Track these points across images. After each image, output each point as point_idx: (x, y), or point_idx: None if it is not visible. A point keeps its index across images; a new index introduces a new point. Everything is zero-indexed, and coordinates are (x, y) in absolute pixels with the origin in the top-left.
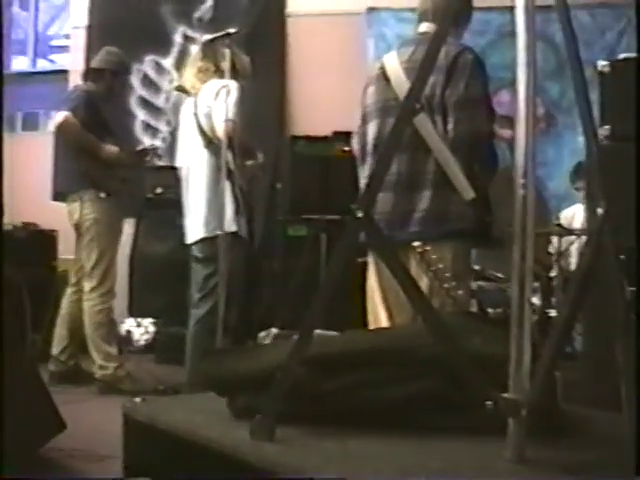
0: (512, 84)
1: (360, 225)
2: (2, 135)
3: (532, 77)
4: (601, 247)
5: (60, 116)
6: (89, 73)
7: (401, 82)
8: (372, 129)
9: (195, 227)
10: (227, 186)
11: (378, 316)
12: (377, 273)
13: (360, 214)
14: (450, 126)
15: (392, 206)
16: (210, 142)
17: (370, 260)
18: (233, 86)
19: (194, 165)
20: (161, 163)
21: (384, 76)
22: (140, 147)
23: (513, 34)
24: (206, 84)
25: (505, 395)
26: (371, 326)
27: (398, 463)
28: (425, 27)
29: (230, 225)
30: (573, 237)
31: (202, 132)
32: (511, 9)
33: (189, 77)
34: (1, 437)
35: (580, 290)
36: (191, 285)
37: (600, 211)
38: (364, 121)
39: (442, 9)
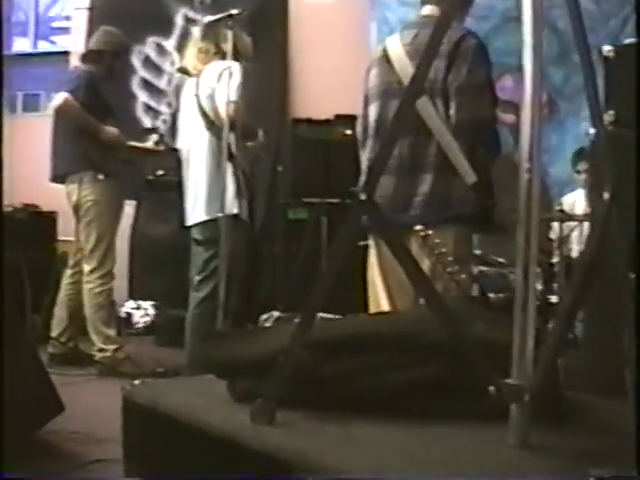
0: (515, 69)
1: (363, 208)
2: (2, 120)
3: (538, 62)
4: (607, 232)
5: (60, 97)
6: (88, 55)
7: (404, 65)
8: (374, 111)
9: (196, 209)
10: (228, 168)
11: (379, 300)
12: (378, 257)
13: (363, 197)
14: (452, 111)
15: (394, 189)
16: (212, 124)
17: (371, 244)
18: (236, 67)
19: (195, 147)
20: (161, 147)
21: (387, 59)
22: (150, 140)
23: (517, 19)
24: (208, 65)
25: (508, 381)
26: (372, 309)
27: (400, 448)
28: (428, 10)
29: (231, 207)
30: (574, 223)
31: (204, 114)
32: None
33: (190, 58)
34: (1, 437)
35: (585, 276)
36: (191, 268)
37: (606, 196)
38: (366, 103)
39: None
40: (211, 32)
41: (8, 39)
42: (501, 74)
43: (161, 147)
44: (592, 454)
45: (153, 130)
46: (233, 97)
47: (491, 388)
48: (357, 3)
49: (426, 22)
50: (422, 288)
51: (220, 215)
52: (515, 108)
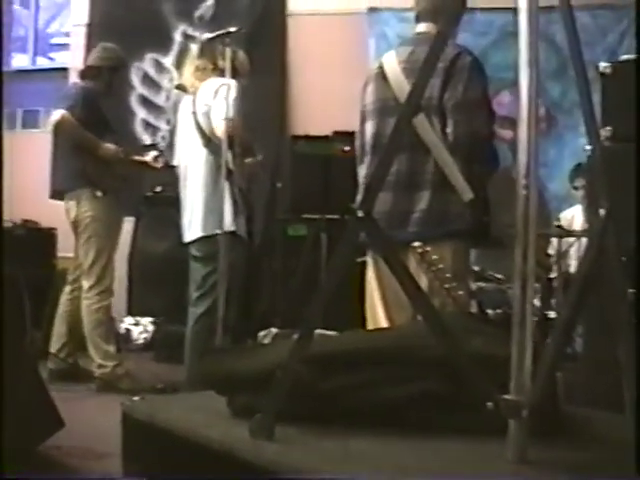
0: (513, 85)
1: (361, 225)
2: (2, 135)
3: (534, 77)
4: (603, 248)
5: (57, 114)
6: (86, 71)
7: (400, 82)
8: (370, 128)
9: (193, 226)
10: (226, 185)
11: (377, 316)
12: (376, 273)
13: (361, 214)
14: (449, 129)
15: (391, 206)
16: (209, 141)
17: (369, 260)
18: (232, 84)
19: (192, 164)
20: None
21: (383, 75)
22: (149, 155)
23: (515, 35)
24: (204, 82)
25: (506, 396)
26: (370, 326)
27: (398, 463)
28: (423, 27)
29: (229, 224)
30: (572, 239)
31: (201, 131)
32: (513, 10)
33: (187, 76)
34: (1, 437)
35: (582, 291)
36: (190, 284)
37: (602, 212)
38: (363, 120)
39: (441, 9)
40: (208, 49)
41: (7, 55)
42: (499, 90)
43: (159, 163)
44: (591, 468)
45: (153, 146)
46: (230, 114)
47: (489, 403)
48: (356, 20)
49: (422, 39)
50: (419, 304)
51: (218, 232)
52: (513, 124)
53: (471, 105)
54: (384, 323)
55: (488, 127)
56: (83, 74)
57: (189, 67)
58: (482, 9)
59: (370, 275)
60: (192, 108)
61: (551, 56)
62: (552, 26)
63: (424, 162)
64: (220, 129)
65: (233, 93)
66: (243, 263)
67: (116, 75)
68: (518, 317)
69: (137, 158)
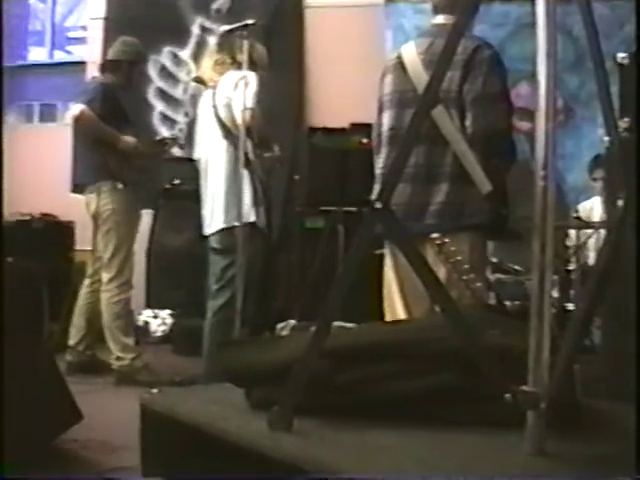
0: (531, 76)
1: (378, 216)
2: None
3: (552, 69)
4: (621, 239)
5: (76, 109)
6: (106, 65)
7: (419, 73)
8: (388, 119)
9: (214, 218)
10: (246, 176)
11: (395, 308)
12: (394, 264)
13: (378, 205)
14: (468, 122)
15: (409, 198)
16: (229, 132)
17: (387, 252)
18: (251, 77)
19: (213, 156)
20: (179, 154)
21: (401, 66)
22: (159, 137)
23: (532, 26)
24: (224, 76)
25: (524, 388)
26: (388, 318)
27: (416, 456)
28: (441, 19)
29: (248, 215)
30: (591, 230)
31: (221, 123)
32: (531, 1)
33: (206, 70)
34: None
35: (600, 283)
36: (209, 276)
37: (620, 203)
38: (380, 110)
39: (458, 1)
40: (227, 43)
41: (24, 49)
42: (516, 81)
43: (168, 146)
44: (609, 461)
45: (172, 139)
46: (249, 104)
47: (507, 396)
48: (373, 11)
49: (440, 31)
50: (438, 296)
51: (237, 224)
52: (531, 115)
53: (490, 98)
54: (402, 315)
55: (507, 120)
56: (103, 68)
57: (208, 61)
58: (499, 0)
59: (388, 267)
60: (212, 101)
61: (569, 48)
62: (570, 18)
63: (442, 154)
64: (242, 119)
65: (253, 85)
66: (262, 255)
67: (135, 69)
68: (536, 309)
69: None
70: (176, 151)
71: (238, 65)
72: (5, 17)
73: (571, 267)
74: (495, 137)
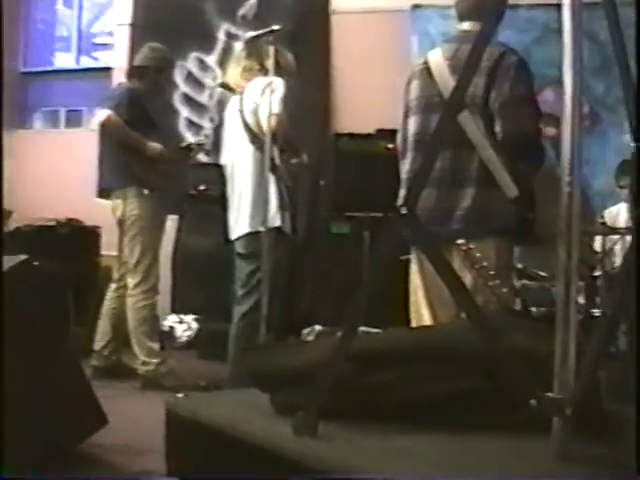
0: (557, 82)
1: (404, 222)
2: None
3: (578, 75)
4: None
5: (103, 114)
6: (132, 71)
7: (445, 79)
8: (414, 124)
9: (239, 223)
10: (272, 181)
11: (421, 313)
12: (420, 270)
13: (404, 210)
14: (498, 127)
15: (435, 202)
16: (255, 137)
17: (413, 257)
18: (278, 82)
19: (239, 161)
20: (204, 159)
21: (428, 72)
22: (185, 143)
23: (558, 31)
24: (251, 82)
25: (549, 394)
26: (414, 323)
27: (441, 460)
28: (467, 25)
29: (274, 220)
30: (617, 236)
31: (247, 128)
32: (557, 6)
33: (234, 76)
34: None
35: (624, 289)
36: (235, 281)
37: None
38: (406, 115)
39: (484, 7)
40: (255, 50)
41: (51, 55)
42: (542, 87)
43: (194, 151)
44: (632, 466)
45: (199, 145)
46: (275, 110)
47: (532, 401)
48: (399, 17)
49: (467, 37)
50: (463, 302)
51: (262, 228)
52: (556, 121)
53: (518, 103)
54: (428, 320)
55: (536, 124)
56: (129, 74)
57: (236, 67)
58: (525, 5)
59: (414, 272)
60: (239, 106)
61: (595, 53)
62: (596, 23)
63: (468, 159)
64: (268, 123)
65: (280, 91)
66: (287, 260)
67: (162, 75)
68: (562, 315)
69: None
70: (202, 157)
71: (266, 71)
72: (31, 23)
73: (597, 273)
74: (525, 140)
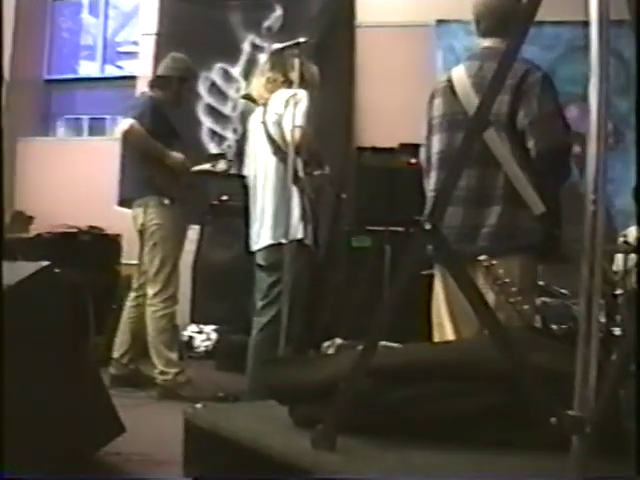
0: (581, 99)
1: (428, 237)
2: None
3: (604, 92)
4: None
5: (126, 123)
6: (155, 80)
7: (469, 97)
8: (438, 142)
9: (261, 234)
10: (294, 193)
11: (444, 329)
12: (444, 285)
13: (428, 226)
14: (531, 143)
15: (461, 220)
16: (278, 149)
17: (436, 273)
18: (303, 94)
19: (262, 172)
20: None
21: (451, 89)
22: (210, 164)
23: (582, 48)
24: (275, 94)
25: (570, 412)
26: (436, 338)
27: (459, 476)
28: (489, 42)
29: (296, 232)
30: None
31: (270, 139)
32: (581, 23)
33: (257, 87)
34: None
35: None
36: (255, 293)
37: None
38: (429, 133)
39: (506, 24)
40: (279, 62)
41: (75, 63)
42: (566, 104)
43: (219, 168)
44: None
45: (221, 155)
46: (299, 122)
47: (552, 419)
48: (423, 32)
49: (490, 54)
50: (485, 318)
51: (284, 240)
52: (580, 138)
53: (549, 119)
54: (451, 336)
55: (568, 139)
56: (152, 84)
57: (260, 79)
58: (549, 22)
59: (437, 287)
60: (262, 118)
61: (619, 71)
62: (621, 41)
63: (494, 177)
64: (291, 136)
65: (303, 103)
66: (308, 272)
67: (185, 85)
68: (583, 333)
69: (197, 168)
70: (222, 167)
71: (289, 83)
72: (57, 31)
73: (618, 292)
74: (559, 156)
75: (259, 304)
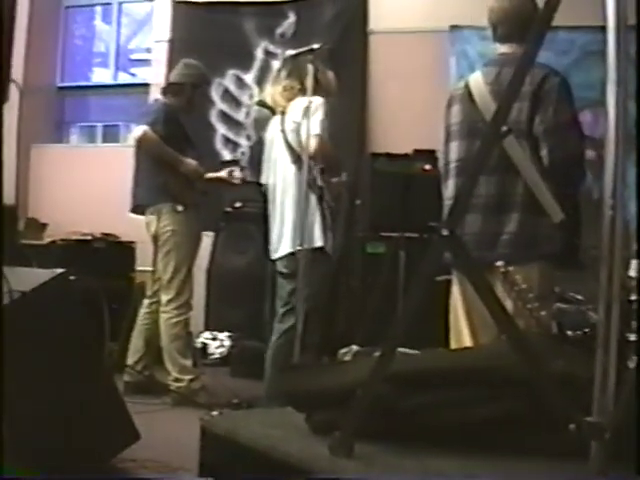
0: (595, 104)
1: (445, 243)
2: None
3: (622, 97)
4: None
5: (139, 130)
6: (168, 87)
7: (488, 104)
8: (456, 149)
9: (282, 242)
10: (314, 201)
11: (461, 335)
12: (461, 291)
13: (445, 232)
14: (544, 152)
15: (480, 227)
16: (298, 157)
17: (454, 279)
18: (319, 102)
19: (281, 181)
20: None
21: (469, 96)
22: (224, 171)
23: (597, 53)
24: (293, 102)
25: (588, 418)
26: (453, 344)
27: None
28: (506, 48)
29: (317, 240)
30: None
31: (289, 148)
32: (596, 28)
33: (274, 95)
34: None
35: None
36: (276, 300)
37: None
38: (447, 140)
39: (523, 30)
40: (296, 69)
41: (89, 70)
42: (581, 109)
43: (235, 178)
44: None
45: (234, 162)
46: (316, 130)
47: (571, 425)
48: (437, 37)
49: (507, 60)
50: (504, 325)
51: (301, 248)
52: (595, 143)
53: (563, 128)
54: (468, 342)
55: (581, 148)
56: (165, 90)
57: (276, 87)
58: (564, 27)
59: (455, 293)
60: (280, 126)
61: (634, 75)
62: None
63: (513, 184)
64: (309, 145)
65: (321, 111)
66: (328, 280)
67: (198, 92)
68: (602, 339)
69: (211, 175)
70: (237, 176)
71: (306, 91)
72: (69, 38)
73: (633, 297)
74: (572, 165)
75: (280, 311)
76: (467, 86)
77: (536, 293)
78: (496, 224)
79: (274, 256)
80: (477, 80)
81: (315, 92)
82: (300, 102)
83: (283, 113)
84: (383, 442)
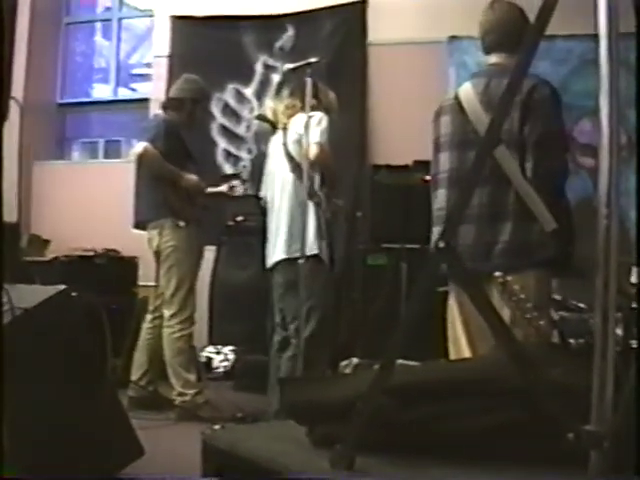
0: (594, 113)
1: (442, 255)
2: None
3: (615, 105)
4: None
5: (140, 146)
6: (168, 102)
7: (479, 115)
8: (447, 160)
9: (276, 250)
10: (311, 209)
11: (460, 346)
12: (458, 302)
13: (441, 244)
14: (529, 164)
15: (474, 238)
16: (297, 166)
17: (451, 290)
18: (321, 115)
19: (279, 191)
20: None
21: (459, 107)
22: (225, 185)
23: (595, 62)
24: (294, 118)
25: (587, 427)
26: (452, 355)
27: None
28: (495, 58)
29: (311, 248)
30: None
31: (289, 157)
32: (593, 37)
33: (275, 112)
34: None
35: None
36: (275, 312)
37: None
38: (437, 150)
39: (514, 40)
40: (298, 88)
41: (89, 86)
42: (580, 117)
43: (235, 192)
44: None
45: (236, 176)
46: (317, 139)
47: (570, 434)
48: (436, 48)
49: (496, 70)
50: (501, 335)
51: (298, 255)
52: (594, 152)
53: (550, 140)
54: (467, 353)
55: (565, 159)
56: (165, 105)
57: (278, 105)
58: (561, 36)
59: (452, 304)
60: (283, 140)
61: (631, 83)
62: (633, 53)
63: (505, 193)
64: (310, 152)
65: (323, 123)
66: (326, 289)
67: (198, 107)
68: (599, 347)
69: (212, 190)
70: (238, 190)
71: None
72: (70, 54)
73: (635, 304)
74: (555, 178)
75: (291, 327)
76: (457, 97)
77: (533, 301)
78: (490, 234)
79: (269, 263)
80: (467, 91)
81: (316, 109)
82: (302, 117)
83: (285, 129)
84: (384, 454)
